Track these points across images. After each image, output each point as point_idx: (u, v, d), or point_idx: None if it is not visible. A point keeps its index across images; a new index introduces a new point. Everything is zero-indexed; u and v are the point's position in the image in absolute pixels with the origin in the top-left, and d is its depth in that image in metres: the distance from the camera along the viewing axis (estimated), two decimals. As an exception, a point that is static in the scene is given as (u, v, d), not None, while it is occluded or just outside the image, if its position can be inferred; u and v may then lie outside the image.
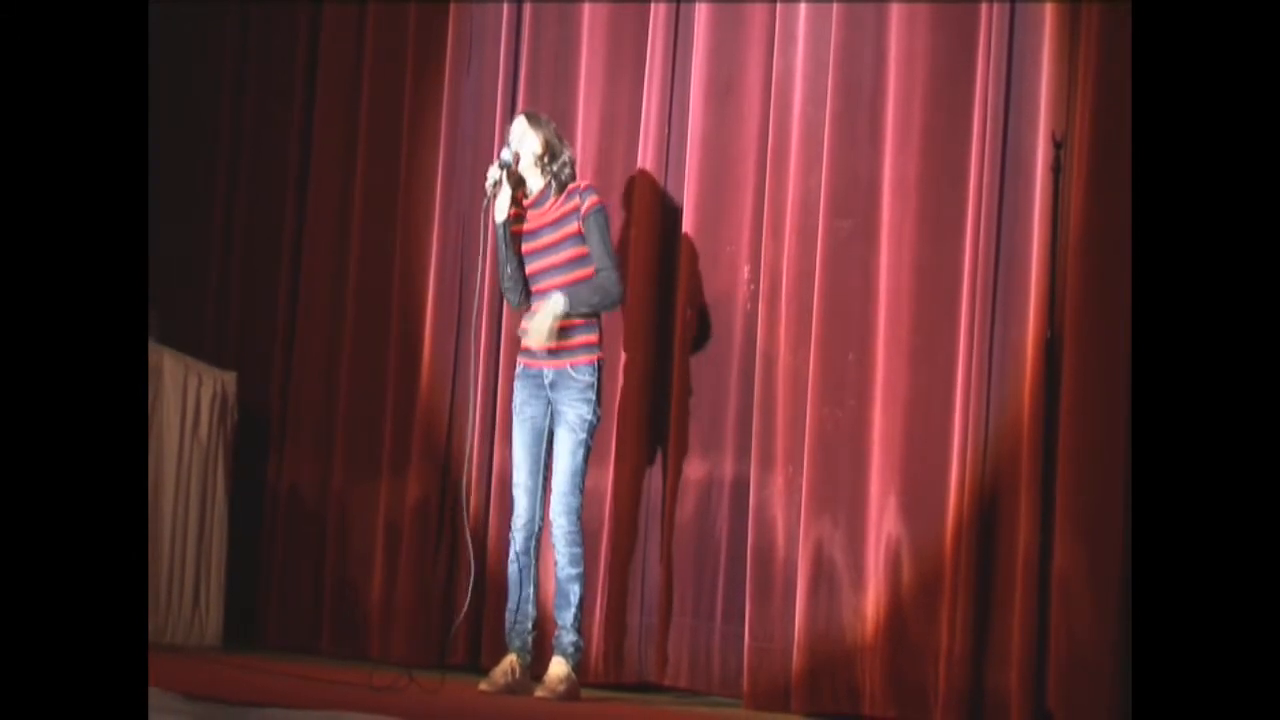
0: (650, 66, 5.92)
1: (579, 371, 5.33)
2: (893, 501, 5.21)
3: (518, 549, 5.38)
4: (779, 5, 5.67)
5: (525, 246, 5.44)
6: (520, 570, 5.38)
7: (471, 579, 5.58)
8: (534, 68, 6.30)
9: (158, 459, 6.47)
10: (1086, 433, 4.85)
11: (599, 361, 5.37)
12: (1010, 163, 5.10)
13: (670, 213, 5.88)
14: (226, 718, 3.99)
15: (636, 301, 5.83)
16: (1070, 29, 5.00)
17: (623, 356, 5.83)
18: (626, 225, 5.90)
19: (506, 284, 5.48)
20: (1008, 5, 5.14)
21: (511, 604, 5.39)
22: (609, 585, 5.77)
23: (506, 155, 5.41)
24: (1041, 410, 4.93)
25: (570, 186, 5.41)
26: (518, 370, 5.47)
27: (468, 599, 5.62)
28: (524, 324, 5.34)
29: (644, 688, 5.72)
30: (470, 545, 5.60)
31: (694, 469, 5.72)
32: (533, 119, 5.49)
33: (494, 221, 5.43)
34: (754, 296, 5.64)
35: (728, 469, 5.66)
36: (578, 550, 5.32)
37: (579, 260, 5.36)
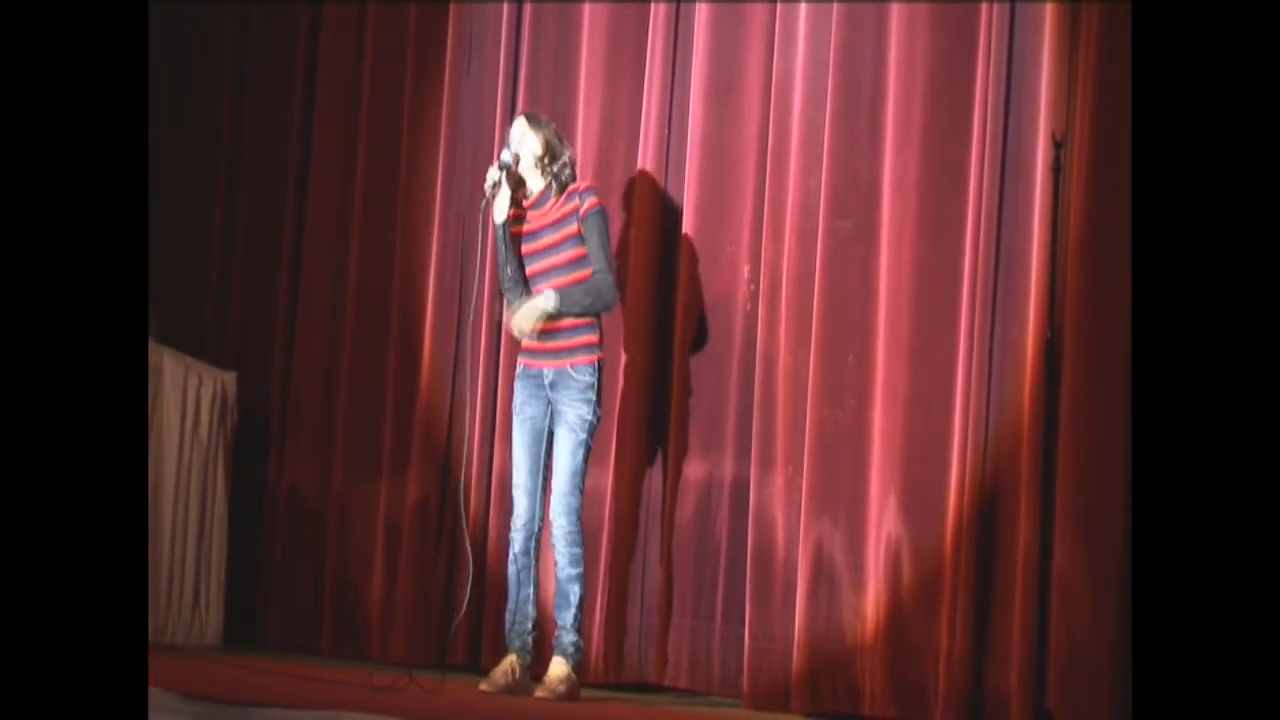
0: (650, 66, 5.91)
1: (579, 372, 5.33)
2: (893, 501, 5.21)
3: (517, 549, 5.38)
4: (779, 5, 5.67)
5: (526, 247, 5.44)
6: (520, 571, 5.38)
7: (470, 579, 5.58)
8: (534, 68, 6.30)
9: (158, 459, 6.47)
10: (1086, 433, 4.85)
11: (599, 362, 5.37)
12: (1010, 163, 5.10)
13: (670, 213, 5.88)
14: (226, 718, 3.98)
15: (636, 301, 5.83)
16: (1070, 29, 5.00)
17: (623, 357, 5.83)
18: (626, 226, 5.90)
19: (507, 285, 5.47)
20: (1008, 5, 5.14)
21: (511, 604, 5.40)
22: (609, 585, 5.77)
23: (506, 156, 5.40)
24: (1041, 410, 4.93)
25: (571, 188, 5.41)
26: (518, 370, 5.47)
27: (466, 599, 5.63)
28: (509, 314, 5.36)
29: (644, 688, 5.72)
30: (469, 546, 5.61)
31: (694, 469, 5.72)
32: (533, 120, 5.48)
33: (493, 222, 5.43)
34: (754, 297, 5.64)
35: (728, 469, 5.66)
36: (578, 550, 5.32)
37: (579, 261, 5.36)
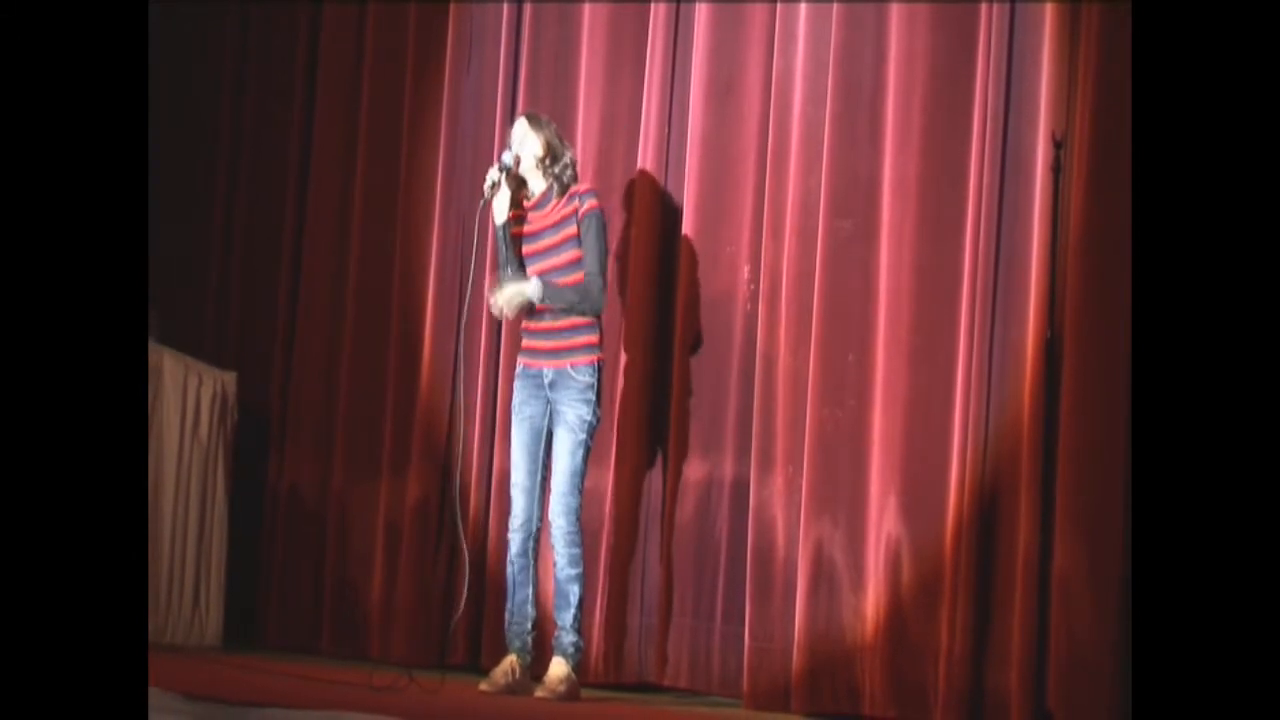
0: (650, 66, 5.91)
1: (579, 372, 5.33)
2: (893, 501, 5.21)
3: (515, 550, 5.38)
4: (779, 5, 5.67)
5: (526, 248, 5.43)
6: (518, 571, 5.38)
7: (466, 579, 5.58)
8: (534, 68, 6.30)
9: (158, 459, 6.46)
10: (1086, 433, 4.85)
11: (599, 362, 5.36)
12: (1010, 163, 5.10)
13: (670, 213, 5.88)
14: (226, 718, 3.99)
15: (636, 301, 5.83)
16: (1070, 29, 5.00)
17: (623, 357, 5.83)
18: (626, 226, 5.90)
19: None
20: (1008, 5, 5.14)
21: (510, 604, 5.40)
22: (609, 585, 5.77)
23: (507, 157, 5.40)
24: (1041, 410, 4.93)
25: (572, 189, 5.41)
26: (517, 370, 5.47)
27: (463, 599, 5.63)
28: (492, 291, 5.37)
29: (644, 688, 5.72)
30: (466, 546, 5.61)
31: (694, 469, 5.72)
32: (534, 121, 5.48)
33: (494, 223, 5.43)
34: (754, 297, 5.64)
35: (728, 469, 5.66)
36: (577, 551, 5.32)
37: (579, 263, 5.35)
